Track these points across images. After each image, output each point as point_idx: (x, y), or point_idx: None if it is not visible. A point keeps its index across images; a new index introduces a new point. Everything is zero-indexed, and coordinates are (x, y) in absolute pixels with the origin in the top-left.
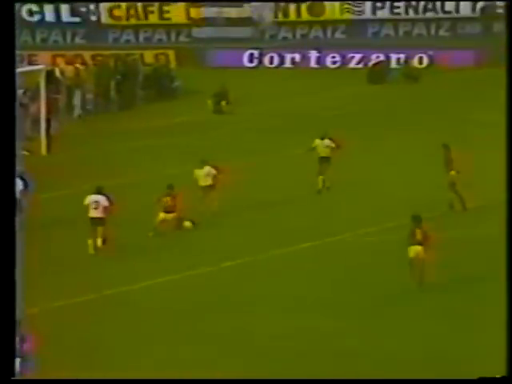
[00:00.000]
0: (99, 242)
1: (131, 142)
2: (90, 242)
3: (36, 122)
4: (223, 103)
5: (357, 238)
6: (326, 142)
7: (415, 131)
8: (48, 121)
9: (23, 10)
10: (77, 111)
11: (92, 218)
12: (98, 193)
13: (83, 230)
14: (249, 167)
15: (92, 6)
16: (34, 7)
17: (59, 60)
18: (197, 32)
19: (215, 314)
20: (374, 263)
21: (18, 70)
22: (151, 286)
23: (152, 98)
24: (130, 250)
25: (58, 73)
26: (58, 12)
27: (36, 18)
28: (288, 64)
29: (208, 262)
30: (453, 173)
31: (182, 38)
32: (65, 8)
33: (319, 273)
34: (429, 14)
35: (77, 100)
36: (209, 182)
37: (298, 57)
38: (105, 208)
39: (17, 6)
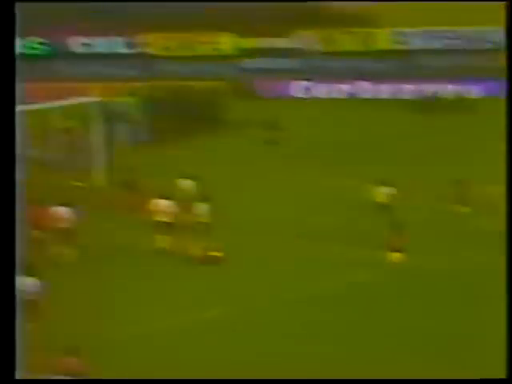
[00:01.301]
0: None
1: (182, 172)
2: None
3: (89, 152)
4: (274, 133)
5: None
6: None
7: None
8: (101, 151)
9: (77, 43)
10: (128, 142)
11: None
12: None
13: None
14: (299, 196)
15: (144, 38)
16: (87, 40)
17: (112, 91)
18: (247, 63)
19: None
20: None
21: (72, 101)
22: None
23: (203, 128)
24: None
25: (110, 104)
26: (111, 44)
27: (89, 50)
28: (337, 94)
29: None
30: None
31: (232, 69)
32: (118, 40)
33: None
34: (482, 45)
35: (129, 131)
36: None
37: (347, 87)
38: None
39: (69, 39)
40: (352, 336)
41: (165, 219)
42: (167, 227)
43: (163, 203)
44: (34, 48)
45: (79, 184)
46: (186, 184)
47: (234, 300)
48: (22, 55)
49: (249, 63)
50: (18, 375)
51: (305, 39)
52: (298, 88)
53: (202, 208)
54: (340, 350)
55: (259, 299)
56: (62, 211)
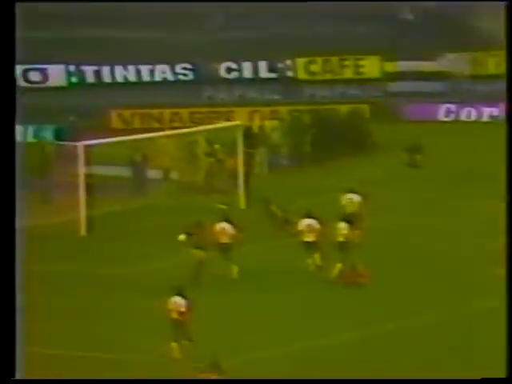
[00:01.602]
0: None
1: (325, 195)
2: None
3: (233, 176)
4: (418, 157)
5: None
6: None
7: None
8: (245, 175)
9: (221, 68)
10: (272, 165)
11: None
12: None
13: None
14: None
15: (288, 62)
16: (233, 65)
17: (256, 115)
18: (391, 86)
19: None
20: None
21: (216, 125)
22: None
23: (346, 151)
24: None
25: (254, 128)
26: (255, 69)
27: (234, 75)
28: (486, 118)
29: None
30: None
31: (376, 92)
32: (262, 64)
33: None
34: None
35: (271, 154)
36: None
37: (494, 110)
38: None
39: (214, 64)
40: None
41: (309, 239)
42: (311, 247)
43: (307, 223)
44: (184, 74)
45: (223, 207)
46: (330, 204)
47: (375, 323)
48: (171, 81)
49: (394, 86)
50: None
51: (452, 62)
52: (443, 111)
53: (344, 227)
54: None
55: (401, 322)
56: (226, 226)
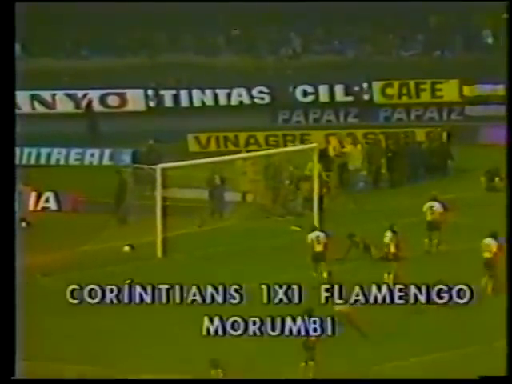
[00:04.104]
0: None
1: (401, 219)
2: None
3: (308, 199)
4: (497, 180)
5: None
6: None
7: None
8: (320, 198)
9: (297, 92)
10: (348, 188)
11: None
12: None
13: None
14: None
15: (365, 85)
16: (309, 88)
17: (331, 138)
18: (470, 110)
19: None
20: None
21: (292, 148)
22: None
23: (424, 175)
24: None
25: (330, 151)
26: (331, 92)
27: (310, 98)
28: None
29: None
30: None
31: (453, 116)
32: (339, 88)
33: None
34: None
35: (350, 178)
36: None
37: None
38: None
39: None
40: None
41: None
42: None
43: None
44: (260, 98)
45: (297, 229)
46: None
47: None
48: (247, 105)
49: (472, 110)
50: None
51: None
52: None
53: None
54: None
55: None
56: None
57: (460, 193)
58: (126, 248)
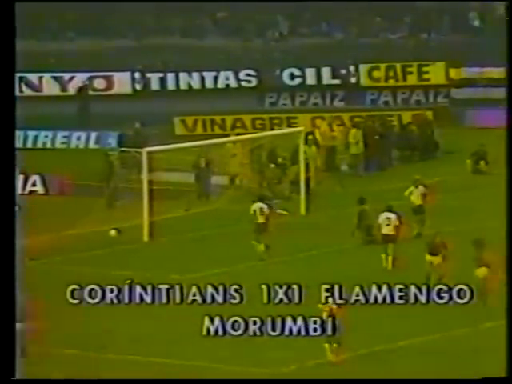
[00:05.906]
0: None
1: (385, 202)
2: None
3: (295, 182)
4: (482, 163)
5: None
6: None
7: None
8: (307, 181)
9: (284, 75)
10: (334, 171)
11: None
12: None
13: None
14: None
15: (352, 68)
16: (296, 71)
17: (318, 122)
18: (456, 92)
19: None
20: None
21: (279, 131)
22: None
23: (409, 158)
24: None
25: (316, 134)
26: (318, 75)
27: (297, 81)
28: None
29: None
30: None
31: (440, 99)
32: (325, 71)
33: None
34: None
35: (336, 160)
36: None
37: None
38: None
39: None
40: None
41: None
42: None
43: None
44: (247, 81)
45: (284, 212)
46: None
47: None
48: (234, 88)
49: (459, 92)
50: None
51: None
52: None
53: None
54: None
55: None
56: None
57: (445, 175)
58: (113, 232)
